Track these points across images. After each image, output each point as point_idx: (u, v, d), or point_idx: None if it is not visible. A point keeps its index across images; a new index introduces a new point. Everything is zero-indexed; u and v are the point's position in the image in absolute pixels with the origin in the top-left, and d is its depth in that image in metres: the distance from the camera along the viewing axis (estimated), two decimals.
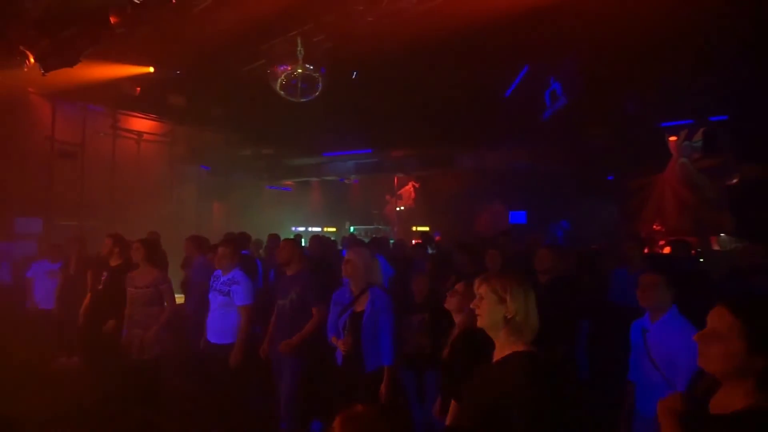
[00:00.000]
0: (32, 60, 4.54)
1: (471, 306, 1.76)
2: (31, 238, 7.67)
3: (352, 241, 5.97)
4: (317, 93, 6.20)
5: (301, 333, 3.51)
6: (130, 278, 3.98)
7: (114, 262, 4.41)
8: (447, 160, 10.17)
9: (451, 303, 2.53)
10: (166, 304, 3.98)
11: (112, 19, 4.04)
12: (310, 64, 5.97)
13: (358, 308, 3.15)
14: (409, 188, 12.94)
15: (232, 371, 3.61)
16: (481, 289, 1.71)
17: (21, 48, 4.34)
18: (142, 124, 9.49)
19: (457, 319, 2.50)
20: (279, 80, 5.96)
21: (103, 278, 4.37)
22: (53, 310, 5.63)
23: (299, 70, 5.95)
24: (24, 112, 7.67)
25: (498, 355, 1.64)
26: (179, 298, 4.63)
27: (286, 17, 5.39)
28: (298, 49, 5.77)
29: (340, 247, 6.55)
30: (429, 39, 5.54)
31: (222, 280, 3.77)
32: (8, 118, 7.23)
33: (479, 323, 1.70)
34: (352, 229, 12.42)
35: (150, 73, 6.73)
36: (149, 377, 3.92)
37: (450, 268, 4.51)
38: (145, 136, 9.52)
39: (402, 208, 12.98)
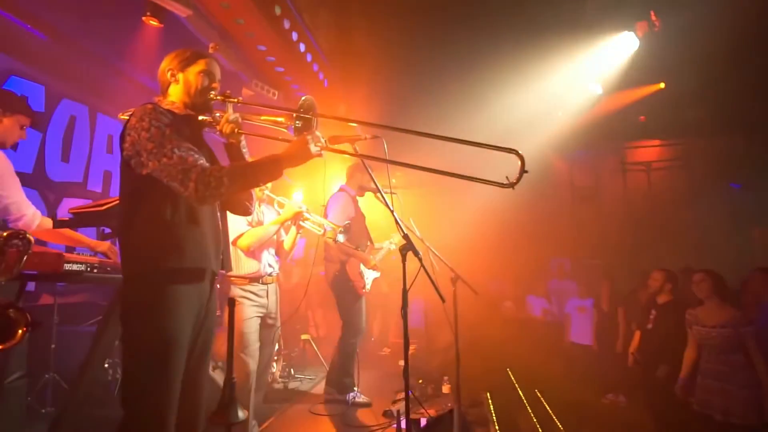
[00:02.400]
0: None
1: None
2: (565, 277, 8.54)
3: None
4: None
5: None
6: (693, 315, 3.31)
7: (663, 299, 3.91)
8: None
9: None
10: (751, 354, 3.01)
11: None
12: None
13: None
14: None
15: None
16: None
17: None
18: (649, 153, 8.97)
19: None
20: None
21: (651, 317, 3.95)
22: (591, 345, 5.82)
23: None
24: (548, 167, 8.96)
25: None
26: None
27: None
28: None
29: None
30: None
31: None
32: (537, 175, 8.58)
33: None
34: None
35: (659, 91, 6.16)
36: None
37: None
38: (654, 165, 8.88)
39: None
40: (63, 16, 3.52)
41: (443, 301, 2.35)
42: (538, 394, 5.50)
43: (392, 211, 2.24)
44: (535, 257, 8.28)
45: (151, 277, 1.66)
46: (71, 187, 4.26)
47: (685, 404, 3.37)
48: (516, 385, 5.77)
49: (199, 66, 1.91)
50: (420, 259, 2.20)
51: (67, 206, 4.08)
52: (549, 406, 5.07)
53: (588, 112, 5.88)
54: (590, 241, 8.52)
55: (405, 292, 2.17)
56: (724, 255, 7.84)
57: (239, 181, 1.69)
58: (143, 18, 3.11)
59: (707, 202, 8.51)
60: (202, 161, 1.70)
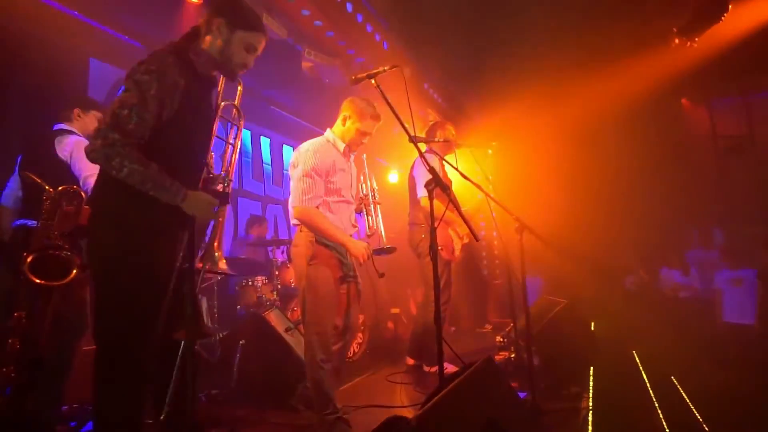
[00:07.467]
0: (676, 39, 4.12)
1: None
2: (711, 246, 7.12)
3: None
4: None
5: None
6: None
7: None
8: None
9: None
10: None
11: None
12: None
13: None
14: None
15: None
16: None
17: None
18: None
19: None
20: None
21: None
22: (752, 325, 4.74)
23: None
24: (678, 118, 7.50)
25: None
26: None
27: None
28: None
29: None
30: None
31: None
32: (667, 124, 7.19)
33: None
34: None
35: None
36: None
37: None
38: None
39: None
40: (151, 23, 3.95)
41: (477, 239, 2.08)
42: (674, 381, 4.65)
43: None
44: (669, 224, 7.00)
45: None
46: None
47: None
48: (641, 368, 4.97)
49: (251, 38, 1.78)
50: (448, 195, 2.00)
51: None
52: (689, 397, 4.23)
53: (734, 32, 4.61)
54: (742, 203, 6.93)
55: (433, 230, 1.95)
56: None
57: (137, 183, 1.61)
58: None
59: None
60: (138, 133, 1.64)
